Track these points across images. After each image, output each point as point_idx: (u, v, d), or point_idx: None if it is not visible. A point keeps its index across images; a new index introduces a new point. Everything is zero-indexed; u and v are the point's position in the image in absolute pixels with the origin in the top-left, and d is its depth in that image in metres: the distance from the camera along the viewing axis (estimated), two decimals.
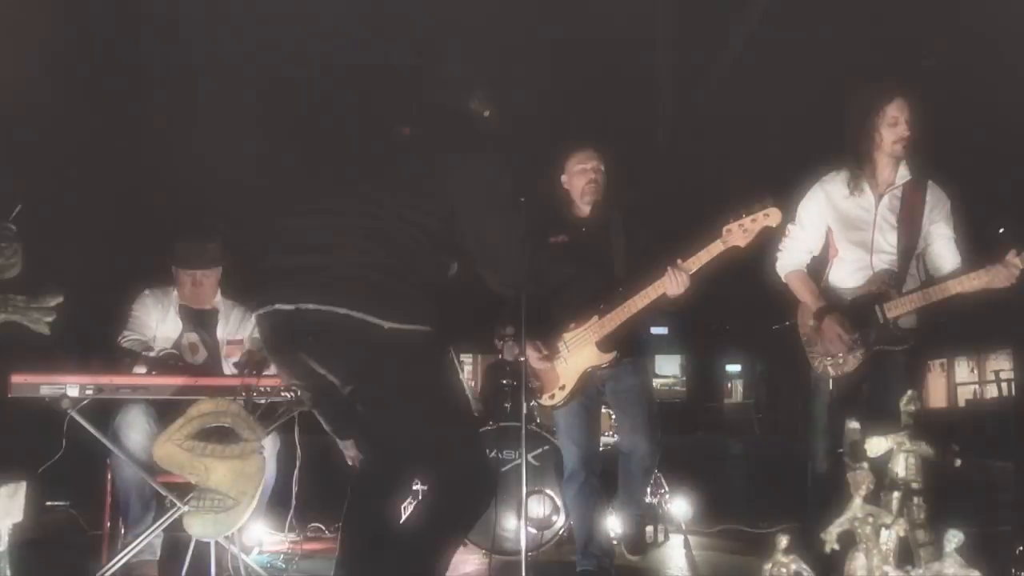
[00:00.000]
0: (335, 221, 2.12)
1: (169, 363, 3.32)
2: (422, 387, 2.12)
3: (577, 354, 3.27)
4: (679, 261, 3.03)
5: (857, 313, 3.01)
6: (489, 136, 2.32)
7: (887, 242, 3.06)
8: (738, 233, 2.95)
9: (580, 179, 3.36)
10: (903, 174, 3.08)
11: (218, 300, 3.71)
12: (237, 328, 3.70)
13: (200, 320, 3.65)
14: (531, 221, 2.51)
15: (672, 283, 3.02)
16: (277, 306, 2.07)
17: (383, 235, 2.09)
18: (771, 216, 2.94)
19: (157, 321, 3.58)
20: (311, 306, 2.01)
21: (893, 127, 2.98)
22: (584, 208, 3.40)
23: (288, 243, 2.15)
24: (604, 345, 3.22)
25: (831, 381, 3.09)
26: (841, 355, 3.04)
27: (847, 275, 3.13)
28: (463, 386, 2.30)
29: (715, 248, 3.02)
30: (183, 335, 3.60)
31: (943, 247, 3.06)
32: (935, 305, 2.93)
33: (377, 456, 2.24)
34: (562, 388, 3.30)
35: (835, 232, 3.14)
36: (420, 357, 2.10)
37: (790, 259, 3.21)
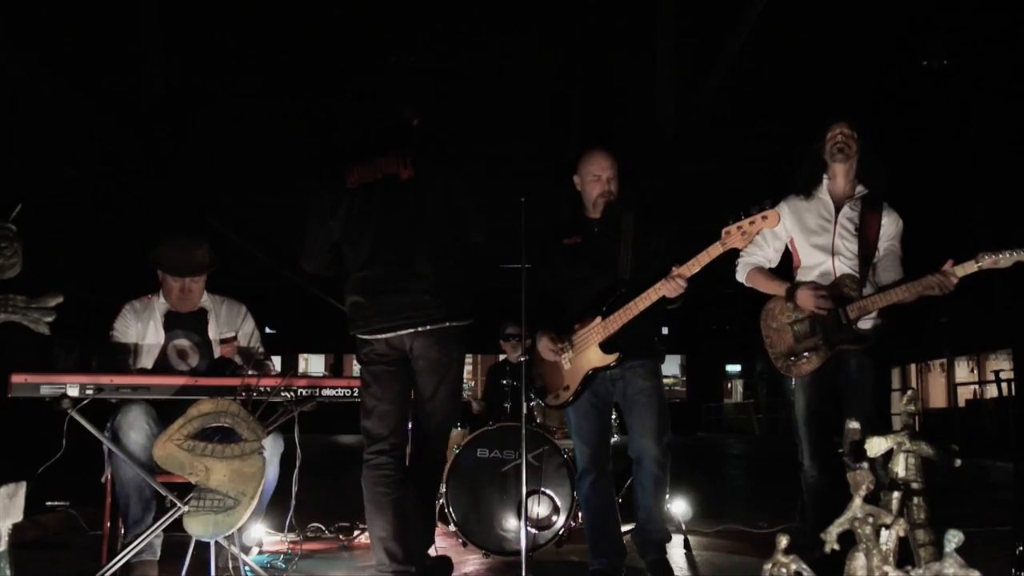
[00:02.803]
0: (405, 257, 2.96)
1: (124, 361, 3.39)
2: (459, 373, 3.16)
3: (581, 355, 3.29)
4: (676, 268, 3.08)
5: (823, 315, 3.17)
6: (447, 144, 3.13)
7: (847, 248, 3.26)
8: (736, 236, 3.00)
9: (594, 188, 3.39)
10: (860, 190, 3.32)
11: (204, 299, 3.65)
12: (228, 325, 3.65)
13: (189, 323, 3.59)
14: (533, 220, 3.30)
15: (669, 288, 3.09)
16: (400, 332, 2.98)
17: (436, 255, 2.98)
18: (769, 219, 2.98)
19: (137, 334, 3.53)
20: (428, 327, 2.97)
21: (833, 140, 3.28)
22: (596, 211, 3.43)
23: (381, 287, 2.98)
24: (607, 346, 3.23)
25: (795, 384, 3.24)
26: (806, 354, 3.19)
27: (809, 277, 3.29)
28: None
29: (714, 251, 3.06)
30: (169, 342, 3.55)
31: (892, 263, 3.27)
32: (889, 308, 3.13)
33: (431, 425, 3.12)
34: (566, 389, 3.32)
35: (797, 241, 3.34)
36: (464, 347, 3.10)
37: (744, 264, 3.42)
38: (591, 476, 3.32)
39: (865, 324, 3.17)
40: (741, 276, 3.43)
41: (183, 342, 3.57)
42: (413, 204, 2.98)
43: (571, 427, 3.42)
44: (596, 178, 3.38)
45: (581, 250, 3.39)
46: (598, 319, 3.25)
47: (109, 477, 3.27)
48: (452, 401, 3.14)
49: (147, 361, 3.50)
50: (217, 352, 3.59)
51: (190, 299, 3.58)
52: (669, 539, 3.37)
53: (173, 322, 3.57)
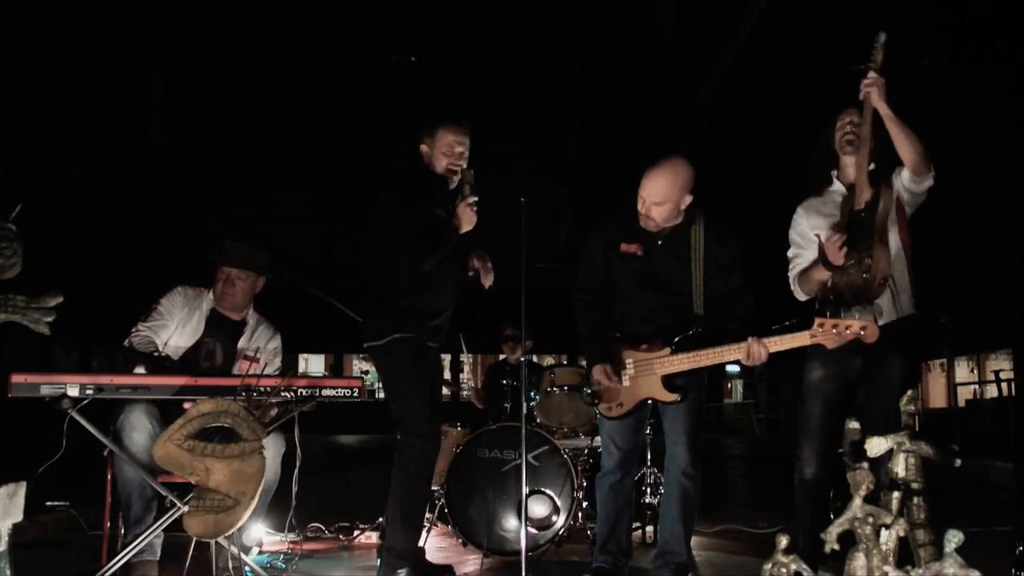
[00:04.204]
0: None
1: (165, 364, 3.31)
2: (394, 380, 3.31)
3: (642, 380, 3.16)
4: (761, 341, 2.97)
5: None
6: (391, 177, 3.42)
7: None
8: (830, 334, 2.86)
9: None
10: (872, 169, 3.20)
11: (248, 313, 3.70)
12: (259, 343, 3.67)
13: (227, 328, 3.63)
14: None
15: (749, 355, 2.98)
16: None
17: (372, 284, 3.33)
18: (867, 332, 2.83)
19: (179, 322, 3.53)
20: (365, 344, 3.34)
21: (841, 131, 3.15)
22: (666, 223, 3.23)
23: None
24: (670, 383, 3.13)
25: (817, 379, 3.13)
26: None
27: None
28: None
29: (801, 339, 2.94)
30: (203, 340, 3.56)
31: (910, 198, 3.16)
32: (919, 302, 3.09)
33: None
34: (620, 406, 3.21)
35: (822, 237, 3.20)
36: (396, 359, 3.28)
37: (796, 276, 3.25)
38: (615, 477, 3.27)
39: (890, 316, 3.04)
40: (801, 295, 3.25)
41: (213, 342, 3.59)
42: (365, 244, 3.40)
43: (603, 428, 3.33)
44: (641, 200, 3.15)
45: (639, 264, 3.21)
46: (667, 350, 3.11)
47: (111, 453, 3.25)
48: (394, 405, 3.29)
49: (182, 346, 3.51)
50: (237, 363, 3.60)
51: (232, 296, 3.60)
52: (690, 567, 3.25)
53: (214, 321, 3.61)
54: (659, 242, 3.21)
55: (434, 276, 3.27)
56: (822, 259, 3.03)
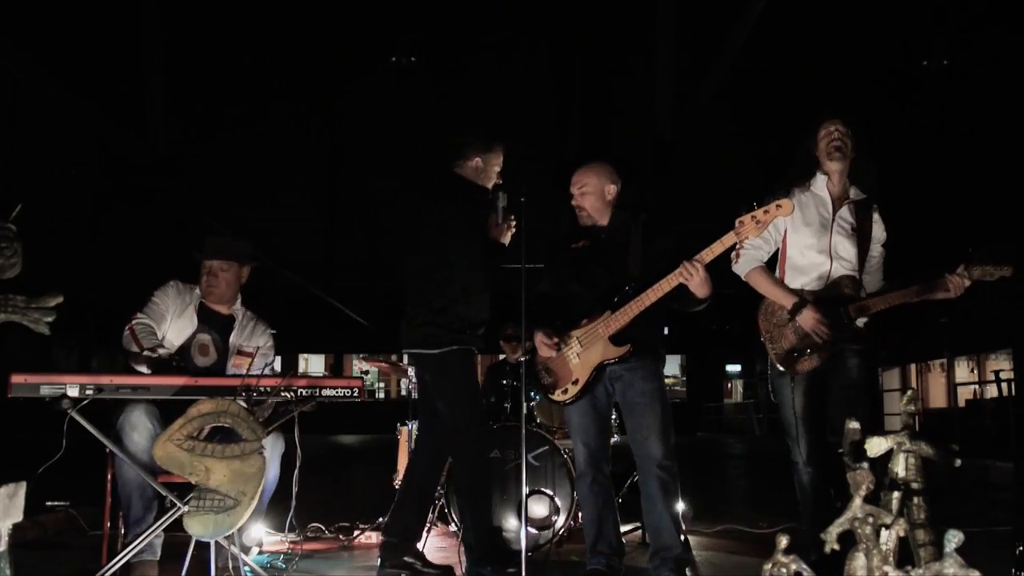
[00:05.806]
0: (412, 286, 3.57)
1: (171, 364, 3.31)
2: (448, 388, 3.50)
3: (590, 349, 3.27)
4: (692, 260, 3.07)
5: (825, 313, 3.14)
6: (459, 191, 3.53)
7: (846, 250, 3.24)
8: (751, 226, 3.00)
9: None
10: (856, 193, 3.30)
11: (236, 308, 3.73)
12: (249, 338, 3.70)
13: (216, 323, 3.65)
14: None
15: (687, 275, 3.06)
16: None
17: (426, 286, 3.48)
18: (783, 208, 2.98)
19: (173, 315, 3.56)
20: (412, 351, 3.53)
21: (828, 138, 3.25)
22: (603, 218, 3.45)
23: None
24: (617, 339, 3.23)
25: (793, 383, 3.20)
26: (809, 350, 3.15)
27: (803, 279, 3.27)
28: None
29: (728, 240, 3.05)
30: (196, 335, 3.59)
31: (879, 269, 3.33)
32: (887, 310, 3.17)
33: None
34: (575, 383, 3.30)
35: (791, 237, 3.29)
36: (450, 369, 3.44)
37: (750, 258, 3.30)
38: (589, 476, 3.31)
39: (861, 323, 3.17)
40: (742, 269, 3.30)
41: (206, 337, 3.61)
42: (421, 254, 3.61)
43: (571, 427, 3.40)
44: (572, 194, 3.46)
45: (588, 253, 3.40)
46: (607, 312, 3.24)
47: (110, 476, 3.27)
48: (447, 411, 3.49)
49: (176, 339, 3.54)
50: (231, 359, 3.61)
51: (217, 288, 3.63)
52: (687, 557, 3.28)
53: (203, 316, 3.63)
54: (602, 236, 3.42)
55: (484, 287, 3.49)
56: (794, 312, 3.18)
